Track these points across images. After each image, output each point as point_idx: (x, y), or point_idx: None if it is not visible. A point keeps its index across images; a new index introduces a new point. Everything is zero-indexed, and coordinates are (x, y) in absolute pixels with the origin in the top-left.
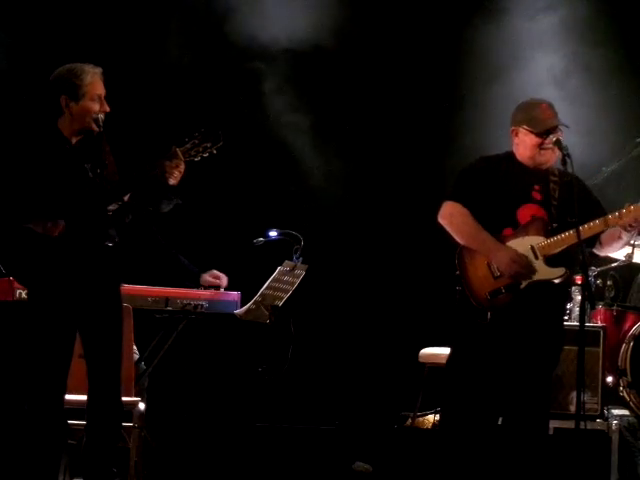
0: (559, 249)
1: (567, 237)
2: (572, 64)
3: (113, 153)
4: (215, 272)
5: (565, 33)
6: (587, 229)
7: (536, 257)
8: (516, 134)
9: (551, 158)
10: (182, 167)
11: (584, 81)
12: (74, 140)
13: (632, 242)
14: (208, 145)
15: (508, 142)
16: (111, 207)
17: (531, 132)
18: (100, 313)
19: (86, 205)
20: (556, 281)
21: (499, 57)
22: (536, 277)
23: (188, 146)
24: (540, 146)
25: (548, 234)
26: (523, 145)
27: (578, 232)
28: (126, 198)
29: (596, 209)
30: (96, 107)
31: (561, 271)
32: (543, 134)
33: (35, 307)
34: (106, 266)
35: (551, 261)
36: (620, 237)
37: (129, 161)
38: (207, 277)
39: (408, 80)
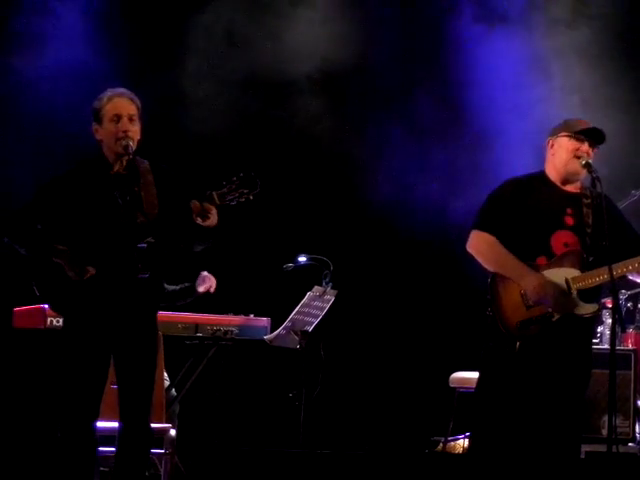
0: (594, 284)
1: (602, 272)
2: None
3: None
4: (204, 276)
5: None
6: (623, 266)
7: (570, 290)
8: (552, 145)
9: (582, 170)
10: (214, 211)
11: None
12: (116, 167)
13: None
14: (245, 191)
15: None
16: (150, 239)
17: (568, 136)
18: (135, 340)
19: (106, 235)
20: (587, 316)
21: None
22: (569, 311)
23: (225, 190)
24: (576, 152)
25: (583, 267)
26: (559, 154)
27: (610, 271)
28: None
29: (630, 235)
30: (114, 128)
31: (594, 307)
32: (580, 134)
33: (70, 334)
34: (140, 296)
35: (584, 295)
36: None
37: (172, 196)
38: (200, 289)
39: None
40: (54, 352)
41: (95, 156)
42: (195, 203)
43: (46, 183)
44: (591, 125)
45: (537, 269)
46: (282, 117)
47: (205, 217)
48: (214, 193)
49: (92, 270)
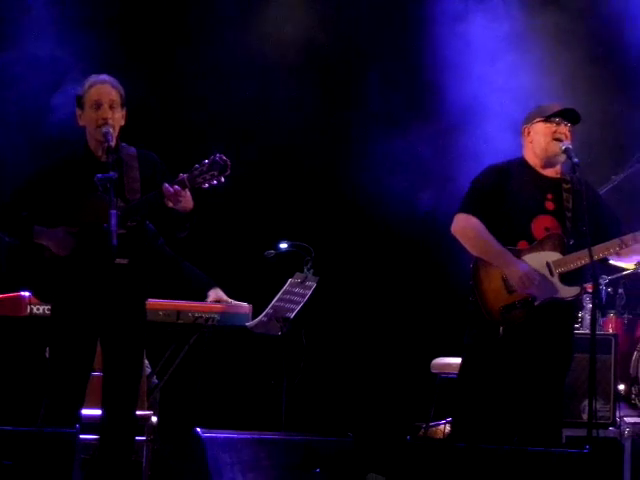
0: (575, 267)
1: (584, 256)
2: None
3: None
4: (220, 294)
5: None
6: (603, 248)
7: (551, 273)
8: (528, 132)
9: (562, 153)
10: (186, 194)
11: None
12: (99, 153)
13: None
14: (215, 173)
15: None
16: (129, 224)
17: (543, 120)
18: (122, 328)
19: (85, 220)
20: (569, 299)
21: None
22: (551, 295)
23: (195, 173)
24: (554, 134)
25: (565, 251)
26: (537, 140)
27: (590, 252)
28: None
29: (610, 218)
30: (94, 114)
31: (576, 290)
32: (553, 117)
33: (56, 321)
34: (123, 282)
35: (566, 278)
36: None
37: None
38: (212, 297)
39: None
40: (36, 340)
41: (80, 142)
42: (166, 187)
43: (32, 171)
44: (564, 107)
45: (519, 253)
46: (261, 102)
47: (177, 201)
48: (185, 176)
49: (70, 243)
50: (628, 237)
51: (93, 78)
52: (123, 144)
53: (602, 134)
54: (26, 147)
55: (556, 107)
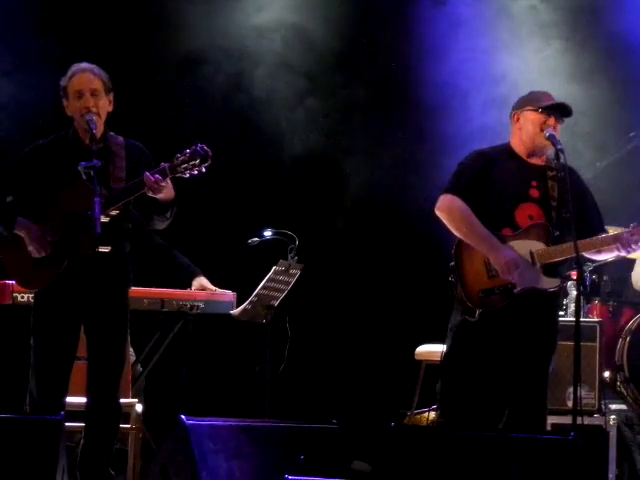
0: (558, 259)
1: (567, 249)
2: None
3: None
4: (204, 283)
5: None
6: (589, 243)
7: (534, 263)
8: (517, 119)
9: (549, 144)
10: (166, 183)
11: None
12: (86, 141)
13: None
14: (196, 162)
15: None
16: (112, 213)
17: (534, 110)
18: (105, 316)
19: (68, 208)
20: (550, 290)
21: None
22: (532, 284)
23: (176, 162)
24: (542, 125)
25: (549, 241)
26: (525, 128)
27: (575, 243)
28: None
29: (593, 213)
30: (77, 103)
31: (557, 282)
32: (546, 110)
33: (40, 309)
34: (105, 270)
35: (548, 269)
36: (616, 251)
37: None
38: (196, 286)
39: None
40: (20, 328)
41: (67, 131)
42: (147, 175)
43: (19, 156)
44: (556, 100)
45: (503, 239)
46: (243, 89)
47: (157, 190)
48: (165, 165)
49: (47, 250)
50: (618, 234)
51: (74, 67)
52: (111, 133)
53: (585, 120)
54: None
55: (549, 98)
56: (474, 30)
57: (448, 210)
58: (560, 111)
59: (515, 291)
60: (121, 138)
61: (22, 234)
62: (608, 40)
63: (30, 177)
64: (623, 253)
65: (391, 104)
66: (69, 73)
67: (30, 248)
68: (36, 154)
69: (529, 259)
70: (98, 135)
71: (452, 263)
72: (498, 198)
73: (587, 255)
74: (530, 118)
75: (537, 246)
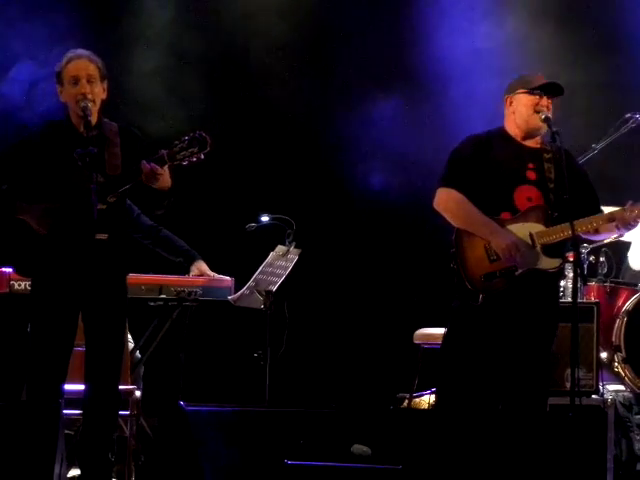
0: (557, 239)
1: (566, 228)
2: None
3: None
4: (203, 268)
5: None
6: (587, 223)
7: (534, 245)
8: (510, 102)
9: (543, 125)
10: (164, 171)
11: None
12: (81, 128)
13: None
14: (195, 150)
15: None
16: (109, 200)
17: (526, 92)
18: (104, 303)
19: (65, 195)
20: (551, 271)
21: None
22: (533, 265)
23: (175, 149)
24: (536, 107)
25: (548, 223)
26: (519, 111)
27: (572, 225)
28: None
29: (589, 195)
30: (73, 90)
31: (558, 262)
32: (538, 90)
33: (37, 296)
34: (103, 257)
35: (548, 250)
36: (616, 230)
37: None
38: (195, 271)
39: None
40: (19, 316)
41: (62, 118)
42: (144, 164)
43: (12, 144)
44: (547, 80)
45: (502, 224)
46: (240, 74)
47: (154, 178)
48: (164, 152)
49: (49, 221)
50: (616, 212)
51: (70, 53)
52: (105, 120)
53: (580, 101)
54: None
55: (540, 79)
56: (464, 11)
57: (445, 204)
58: (552, 90)
59: (517, 273)
60: (115, 124)
61: (25, 217)
62: (601, 22)
63: (25, 165)
64: (623, 231)
65: (389, 86)
66: (64, 59)
67: (35, 227)
68: (30, 142)
69: (529, 241)
70: (93, 122)
71: (452, 250)
72: (495, 181)
73: (586, 236)
74: (523, 101)
75: (536, 228)
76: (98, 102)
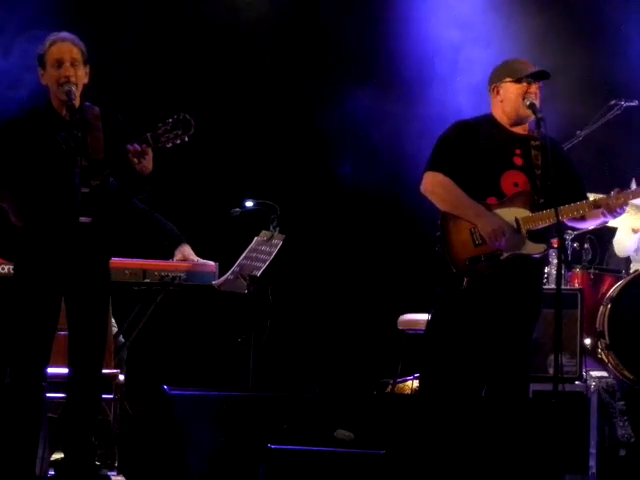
0: (543, 225)
1: (551, 214)
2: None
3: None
4: (187, 252)
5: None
6: (573, 209)
7: (519, 230)
8: (497, 92)
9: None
10: (149, 151)
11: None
12: (63, 112)
13: None
14: (179, 132)
15: None
16: (92, 184)
17: (513, 81)
18: (86, 286)
19: (49, 179)
20: (536, 256)
21: None
22: (518, 250)
23: (159, 132)
24: (525, 95)
25: (534, 208)
26: (507, 99)
27: (556, 211)
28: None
29: (575, 182)
30: (56, 73)
31: (542, 247)
32: (525, 79)
33: (19, 279)
34: (87, 241)
35: (533, 235)
36: (602, 217)
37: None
38: (178, 256)
39: None
40: (2, 299)
41: (43, 101)
42: (128, 146)
43: None
44: (533, 67)
45: (488, 208)
46: (226, 60)
47: (141, 158)
48: (148, 135)
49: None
50: (601, 199)
51: (53, 36)
52: (87, 103)
53: (569, 90)
54: None
55: (526, 67)
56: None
57: (431, 189)
58: (538, 76)
59: (502, 258)
60: (97, 108)
61: (4, 205)
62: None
63: (7, 151)
64: (609, 218)
65: (377, 77)
66: (47, 42)
67: (12, 217)
68: (12, 126)
69: (514, 226)
70: (76, 106)
71: (438, 233)
72: (482, 167)
73: (572, 224)
74: (510, 89)
75: (522, 213)
76: (80, 86)
